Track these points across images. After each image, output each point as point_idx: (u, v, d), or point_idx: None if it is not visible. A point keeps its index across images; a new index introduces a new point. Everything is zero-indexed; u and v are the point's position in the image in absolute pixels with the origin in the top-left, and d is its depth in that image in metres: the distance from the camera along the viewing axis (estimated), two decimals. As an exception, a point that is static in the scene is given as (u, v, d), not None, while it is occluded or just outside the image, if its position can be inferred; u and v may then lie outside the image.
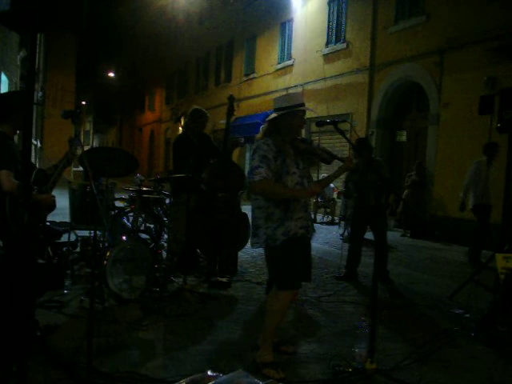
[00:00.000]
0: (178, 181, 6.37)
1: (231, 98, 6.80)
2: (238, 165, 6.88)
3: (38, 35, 2.96)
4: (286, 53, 20.12)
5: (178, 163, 6.65)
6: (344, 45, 16.48)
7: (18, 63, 11.69)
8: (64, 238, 6.57)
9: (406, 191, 12.72)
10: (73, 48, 32.90)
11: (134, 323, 4.87)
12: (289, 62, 19.69)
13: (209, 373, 3.43)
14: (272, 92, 19.76)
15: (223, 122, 7.38)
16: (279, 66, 20.40)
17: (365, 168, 6.75)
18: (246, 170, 6.67)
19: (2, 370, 3.43)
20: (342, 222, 12.43)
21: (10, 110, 4.07)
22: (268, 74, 21.21)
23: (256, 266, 7.76)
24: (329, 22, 17.42)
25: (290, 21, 19.65)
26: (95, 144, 53.76)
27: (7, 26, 3.09)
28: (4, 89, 7.66)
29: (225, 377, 3.29)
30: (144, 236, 6.32)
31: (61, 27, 3.19)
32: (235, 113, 7.05)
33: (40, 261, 5.79)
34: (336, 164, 4.16)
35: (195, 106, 7.13)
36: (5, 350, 3.62)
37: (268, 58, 21.34)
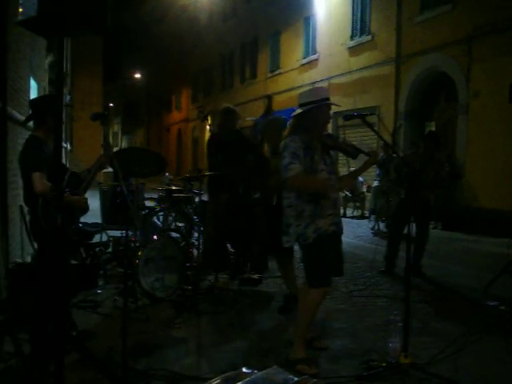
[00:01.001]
0: (212, 179, 6.41)
1: (269, 97, 6.79)
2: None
3: (65, 40, 3.02)
4: (310, 47, 20.03)
5: (211, 161, 6.69)
6: (369, 37, 16.34)
7: (46, 68, 11.85)
8: (96, 238, 6.65)
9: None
10: (99, 51, 33.26)
11: (167, 322, 4.92)
12: (314, 57, 19.60)
13: (243, 370, 3.42)
14: (298, 87, 19.69)
15: (250, 119, 7.41)
16: (304, 60, 20.32)
17: (427, 162, 6.80)
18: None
19: (40, 370, 3.49)
20: (373, 216, 12.36)
21: (44, 114, 4.15)
22: (293, 70, 21.14)
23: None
24: (353, 14, 17.28)
25: (314, 15, 19.54)
26: (124, 145, 54.27)
27: (34, 32, 3.13)
28: (34, 94, 7.77)
29: (260, 373, 3.28)
30: (175, 235, 6.35)
31: (87, 31, 3.22)
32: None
33: (73, 262, 5.87)
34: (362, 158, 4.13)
35: (226, 104, 7.15)
36: (42, 349, 3.68)
37: (293, 53, 21.28)
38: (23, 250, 5.95)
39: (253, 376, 3.22)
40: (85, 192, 4.18)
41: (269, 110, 6.22)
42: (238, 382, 2.80)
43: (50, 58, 12.30)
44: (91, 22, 2.72)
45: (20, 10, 2.71)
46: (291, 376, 3.27)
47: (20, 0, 2.70)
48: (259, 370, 3.38)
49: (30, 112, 4.48)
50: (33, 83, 8.50)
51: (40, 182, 3.90)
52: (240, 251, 6.92)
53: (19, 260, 5.85)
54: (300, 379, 3.29)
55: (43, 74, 10.76)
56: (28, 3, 2.63)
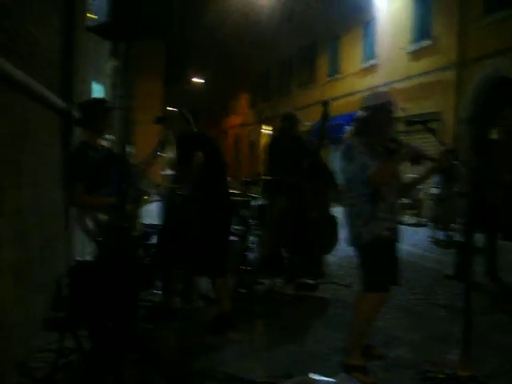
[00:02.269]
0: (270, 183, 6.47)
1: (325, 103, 6.80)
2: (329, 167, 6.86)
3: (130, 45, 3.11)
4: (370, 52, 19.84)
5: (271, 166, 6.74)
6: (430, 41, 16.04)
7: (109, 72, 12.17)
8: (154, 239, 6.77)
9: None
10: (161, 55, 33.82)
11: (223, 324, 4.95)
12: (373, 62, 19.40)
13: (311, 375, 3.47)
14: (356, 92, 19.52)
15: (308, 123, 7.40)
16: (363, 65, 20.15)
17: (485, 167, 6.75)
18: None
19: (100, 367, 3.59)
20: (431, 224, 12.10)
21: (91, 118, 4.24)
22: (352, 74, 20.99)
23: (343, 268, 7.70)
24: (414, 18, 17.00)
25: (374, 19, 19.34)
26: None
27: (104, 37, 3.26)
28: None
29: (331, 380, 3.31)
30: (231, 238, 6.39)
31: (153, 36, 3.32)
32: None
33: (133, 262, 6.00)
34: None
35: (287, 109, 7.23)
36: (102, 346, 3.79)
37: (352, 57, 21.13)
38: (84, 248, 6.13)
39: (323, 383, 3.23)
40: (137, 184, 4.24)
41: (325, 115, 6.20)
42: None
43: (113, 63, 12.63)
44: (158, 27, 2.80)
45: (91, 16, 2.81)
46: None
47: (90, 7, 2.81)
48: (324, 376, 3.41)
49: (78, 116, 4.61)
50: (96, 86, 8.77)
51: (79, 194, 4.01)
52: (296, 256, 6.92)
53: (80, 258, 6.03)
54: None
55: (106, 78, 11.06)
56: (98, 10, 2.73)
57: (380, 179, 3.77)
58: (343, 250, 7.08)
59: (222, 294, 5.00)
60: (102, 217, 3.98)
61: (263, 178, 6.76)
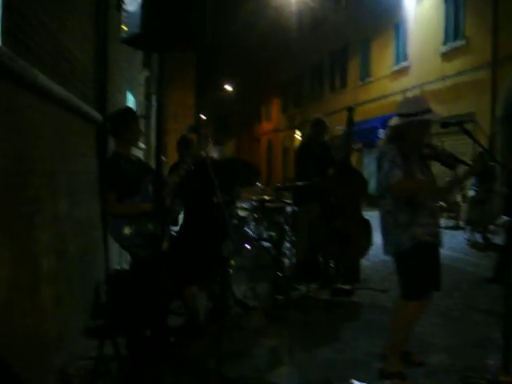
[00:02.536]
0: (302, 189, 6.47)
1: (350, 110, 6.79)
2: (360, 172, 6.85)
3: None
4: (401, 54, 19.66)
5: (300, 172, 6.74)
6: (463, 41, 15.81)
7: (142, 82, 12.34)
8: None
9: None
10: (192, 64, 34.12)
11: (259, 330, 4.97)
12: (405, 64, 19.21)
13: (353, 382, 3.46)
14: (389, 95, 19.39)
15: (340, 128, 7.38)
16: (395, 67, 19.98)
17: None
18: (365, 175, 6.64)
19: (139, 376, 3.64)
20: (468, 227, 11.90)
21: (120, 126, 4.24)
22: (384, 77, 20.83)
23: (378, 273, 7.63)
24: (446, 18, 16.77)
25: (405, 21, 19.17)
26: (215, 156, 55.33)
27: (137, 48, 3.31)
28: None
29: None
30: (266, 244, 6.42)
31: (186, 47, 3.35)
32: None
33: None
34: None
35: (317, 116, 7.25)
36: (139, 353, 3.83)
37: (383, 60, 20.98)
38: (121, 257, 6.22)
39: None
40: (170, 195, 4.21)
41: (350, 121, 6.22)
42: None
43: (146, 73, 12.81)
44: (191, 38, 2.83)
45: (124, 28, 2.86)
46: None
47: (124, 19, 2.86)
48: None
49: (109, 126, 4.65)
50: (130, 97, 8.90)
51: (111, 202, 4.05)
52: (332, 261, 6.91)
53: (118, 267, 6.12)
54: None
55: (139, 88, 11.22)
56: (132, 22, 2.77)
57: (401, 191, 3.75)
58: (376, 255, 7.01)
59: (189, 302, 5.01)
60: (137, 226, 4.02)
61: (294, 183, 6.77)
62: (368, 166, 20.18)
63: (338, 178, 6.63)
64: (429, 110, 3.85)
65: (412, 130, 3.80)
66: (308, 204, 6.47)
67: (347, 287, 6.45)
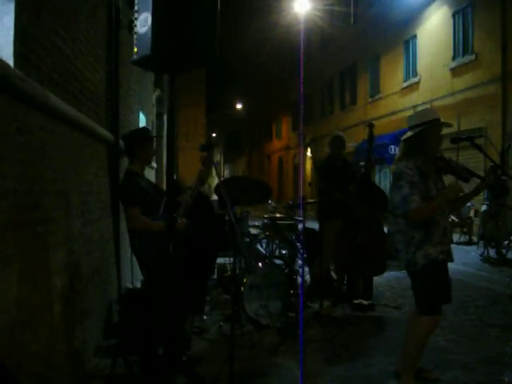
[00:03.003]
0: (325, 205, 6.51)
1: (371, 125, 6.84)
2: (379, 187, 6.87)
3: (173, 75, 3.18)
4: (411, 70, 19.69)
5: (324, 188, 6.77)
6: (472, 56, 15.81)
7: (154, 102, 12.44)
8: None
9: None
10: (202, 82, 34.33)
11: (272, 349, 4.94)
12: (415, 80, 19.24)
13: None
14: (399, 111, 19.39)
15: (352, 144, 7.44)
16: (405, 84, 20.00)
17: None
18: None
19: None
20: (482, 242, 11.82)
21: (134, 146, 4.29)
22: (394, 94, 20.85)
23: (391, 290, 7.59)
24: (454, 34, 16.81)
25: (414, 37, 19.24)
26: (226, 174, 55.48)
27: (148, 69, 3.35)
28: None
29: None
30: (278, 262, 6.42)
31: (197, 66, 3.39)
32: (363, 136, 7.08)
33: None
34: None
35: (336, 133, 7.33)
36: (151, 372, 3.83)
37: (393, 76, 21.01)
38: (133, 275, 6.23)
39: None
40: (185, 215, 4.14)
41: (371, 137, 6.25)
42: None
43: (157, 93, 12.92)
44: (201, 58, 2.86)
45: (135, 50, 2.90)
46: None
47: (135, 41, 2.90)
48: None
49: (123, 146, 4.69)
50: (142, 117, 8.98)
51: (132, 217, 4.04)
52: (352, 278, 6.91)
53: (130, 286, 6.13)
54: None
55: (151, 108, 11.31)
56: (142, 44, 2.82)
57: (419, 218, 3.74)
58: (389, 271, 6.98)
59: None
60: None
61: (312, 200, 6.80)
62: (379, 182, 20.13)
63: (360, 193, 6.65)
64: (438, 120, 3.88)
65: (424, 140, 3.82)
66: (332, 220, 6.48)
67: (366, 303, 6.45)
